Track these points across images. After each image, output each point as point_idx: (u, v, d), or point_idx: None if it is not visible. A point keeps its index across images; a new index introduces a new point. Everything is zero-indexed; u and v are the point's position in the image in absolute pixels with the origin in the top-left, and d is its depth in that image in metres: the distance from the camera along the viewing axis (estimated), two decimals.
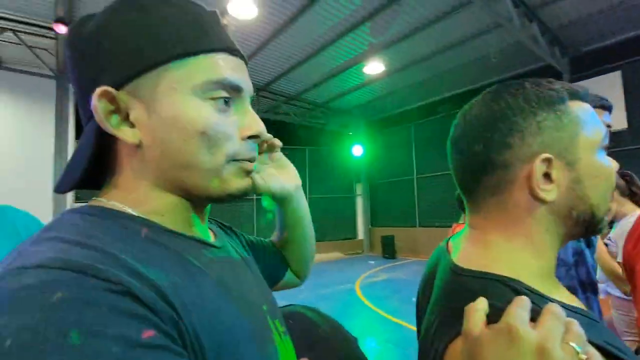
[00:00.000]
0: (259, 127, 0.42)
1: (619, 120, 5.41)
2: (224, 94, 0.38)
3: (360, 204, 10.91)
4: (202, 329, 0.31)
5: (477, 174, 0.46)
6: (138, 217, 0.37)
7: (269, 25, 5.36)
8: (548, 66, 5.93)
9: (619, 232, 1.54)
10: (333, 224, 9.97)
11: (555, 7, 5.07)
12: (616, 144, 5.49)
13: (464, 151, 0.47)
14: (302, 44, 5.87)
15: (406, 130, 9.65)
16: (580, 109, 0.45)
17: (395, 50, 6.15)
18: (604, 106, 0.85)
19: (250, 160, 0.42)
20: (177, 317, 0.29)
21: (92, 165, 0.38)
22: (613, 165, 0.46)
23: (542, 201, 0.43)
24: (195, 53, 0.37)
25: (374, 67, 6.70)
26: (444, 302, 0.44)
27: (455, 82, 7.50)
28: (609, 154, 0.48)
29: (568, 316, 0.34)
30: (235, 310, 0.37)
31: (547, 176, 0.43)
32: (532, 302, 0.34)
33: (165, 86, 0.36)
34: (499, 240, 0.45)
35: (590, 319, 0.41)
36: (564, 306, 0.39)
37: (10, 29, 4.82)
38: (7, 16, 4.65)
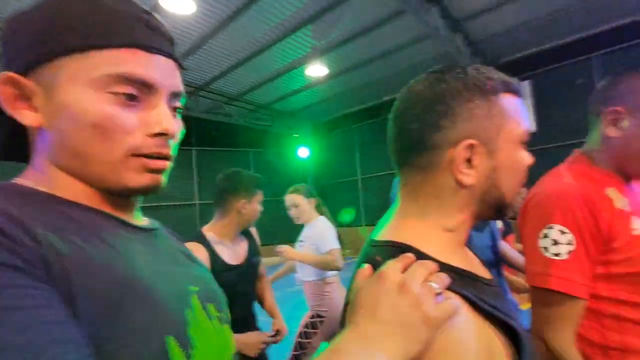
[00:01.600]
0: (166, 125, 0.41)
1: (530, 124, 6.18)
2: (129, 89, 0.39)
3: None
4: (79, 274, 0.32)
5: (410, 151, 0.49)
6: (51, 194, 0.38)
7: (208, 22, 5.15)
8: None
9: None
10: (282, 227, 9.87)
11: (477, 21, 5.63)
12: (528, 145, 6.23)
13: (401, 127, 0.49)
14: (243, 42, 5.74)
15: (350, 133, 9.96)
16: (511, 102, 0.47)
17: (337, 54, 6.31)
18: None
19: (159, 157, 0.41)
20: (44, 252, 0.30)
21: (10, 141, 0.43)
22: (527, 160, 0.50)
23: (461, 184, 0.46)
24: (99, 47, 0.38)
25: (318, 70, 6.80)
26: (355, 270, 0.47)
27: (393, 87, 7.93)
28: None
29: (455, 276, 0.41)
30: (132, 272, 0.37)
31: (469, 161, 0.46)
32: None
33: (65, 76, 0.37)
34: (415, 215, 0.49)
35: (477, 280, 0.45)
36: (452, 268, 0.44)
37: None
38: None
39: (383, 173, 8.69)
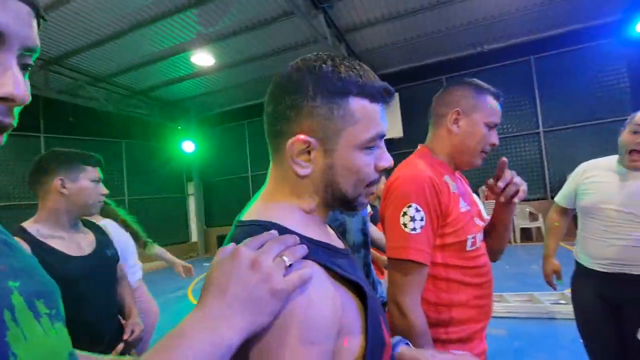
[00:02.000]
0: (11, 89, 0.33)
1: (397, 130, 7.17)
2: None
3: (192, 204, 10.20)
4: None
5: (269, 136, 0.52)
6: None
7: None
8: None
9: None
10: (162, 227, 8.88)
11: (358, 34, 6.23)
12: (395, 149, 7.33)
13: (265, 111, 0.52)
14: (114, 15, 4.93)
15: (240, 128, 9.70)
16: (361, 107, 0.48)
17: (227, 45, 6.05)
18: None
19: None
20: None
21: None
22: (367, 162, 0.50)
23: (296, 174, 0.49)
24: None
25: (204, 59, 6.38)
26: None
27: None
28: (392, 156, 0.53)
29: (310, 247, 0.44)
30: None
31: (309, 153, 0.48)
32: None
33: None
34: (278, 197, 0.52)
35: (333, 250, 0.51)
36: (311, 240, 0.47)
37: None
38: None
39: None
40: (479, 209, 1.08)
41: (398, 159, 0.87)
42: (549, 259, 1.76)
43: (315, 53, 0.51)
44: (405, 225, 0.89)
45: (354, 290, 0.47)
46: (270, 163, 0.54)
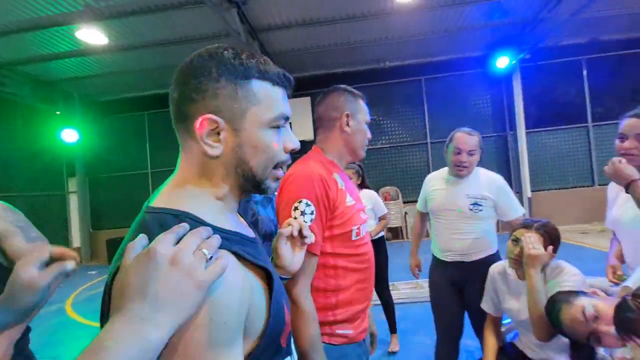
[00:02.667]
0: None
1: (308, 133, 7.43)
2: None
3: (74, 203, 8.71)
4: None
5: (176, 120, 0.53)
6: None
7: None
8: None
9: None
10: (39, 224, 7.31)
11: (271, 34, 6.24)
12: (306, 151, 7.51)
13: (171, 96, 0.52)
14: None
15: (139, 119, 8.71)
16: (263, 89, 0.53)
17: (122, 25, 5.38)
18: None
19: None
20: None
21: None
22: (274, 142, 0.54)
23: (207, 154, 0.51)
24: None
25: (93, 36, 5.54)
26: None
27: None
28: (296, 159, 0.58)
29: (223, 237, 0.45)
30: None
31: (219, 134, 0.51)
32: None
33: None
34: (189, 183, 0.53)
35: (244, 239, 0.53)
36: (223, 230, 0.49)
37: None
38: None
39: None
40: (364, 205, 1.22)
41: None
42: (413, 256, 2.23)
43: (212, 45, 0.54)
44: (295, 218, 0.94)
45: (261, 275, 0.51)
46: (180, 152, 0.55)
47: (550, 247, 1.38)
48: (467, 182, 1.83)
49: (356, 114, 1.14)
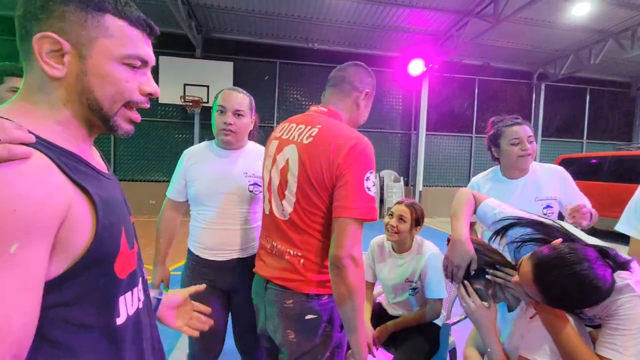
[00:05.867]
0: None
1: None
2: None
3: None
4: None
5: (19, 38, 0.51)
6: None
7: None
8: (186, 36, 6.58)
9: None
10: None
11: None
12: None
13: (15, 15, 0.50)
14: None
15: None
16: (117, 25, 0.53)
17: None
18: None
19: None
20: None
21: None
22: (123, 77, 0.54)
23: (47, 74, 0.50)
24: None
25: None
26: None
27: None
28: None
29: (45, 146, 0.46)
30: None
31: (62, 57, 0.50)
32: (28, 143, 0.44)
33: None
34: (29, 100, 0.51)
35: (78, 161, 0.51)
36: (49, 143, 0.48)
37: None
38: None
39: None
40: None
41: None
42: None
43: None
44: (369, 189, 0.97)
45: (90, 198, 0.50)
46: (24, 77, 0.53)
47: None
48: None
49: (371, 98, 1.20)
